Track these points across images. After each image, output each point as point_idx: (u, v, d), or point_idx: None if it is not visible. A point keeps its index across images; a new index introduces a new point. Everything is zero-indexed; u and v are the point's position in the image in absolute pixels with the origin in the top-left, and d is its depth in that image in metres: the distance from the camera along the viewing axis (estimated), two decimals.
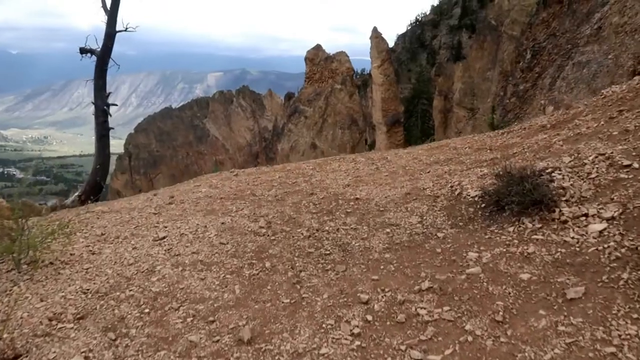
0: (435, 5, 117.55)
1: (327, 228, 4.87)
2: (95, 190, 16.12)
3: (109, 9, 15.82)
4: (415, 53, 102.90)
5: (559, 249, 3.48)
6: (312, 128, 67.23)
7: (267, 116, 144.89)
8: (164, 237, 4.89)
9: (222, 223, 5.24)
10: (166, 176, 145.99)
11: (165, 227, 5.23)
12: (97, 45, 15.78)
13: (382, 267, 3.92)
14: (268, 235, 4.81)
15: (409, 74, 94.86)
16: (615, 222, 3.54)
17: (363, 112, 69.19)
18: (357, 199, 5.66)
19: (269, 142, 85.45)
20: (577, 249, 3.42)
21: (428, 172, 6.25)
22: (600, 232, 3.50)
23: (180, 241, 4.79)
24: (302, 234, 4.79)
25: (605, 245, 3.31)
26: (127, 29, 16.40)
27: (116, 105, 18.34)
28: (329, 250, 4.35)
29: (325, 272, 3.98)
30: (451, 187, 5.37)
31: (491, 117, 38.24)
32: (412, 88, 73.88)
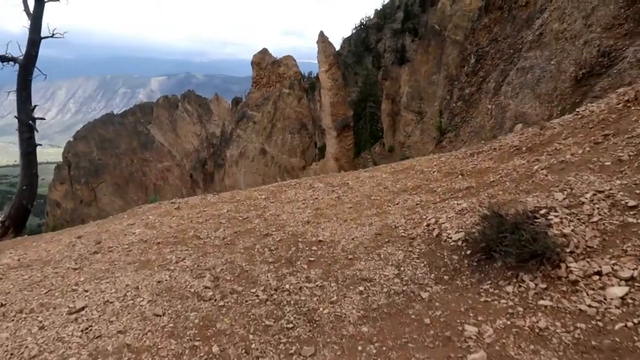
0: (379, 9, 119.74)
1: (287, 286, 4.03)
2: (22, 214, 14.50)
3: (32, 12, 14.31)
4: (360, 56, 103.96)
5: (578, 324, 2.83)
6: (261, 133, 66.10)
7: (215, 121, 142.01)
8: (82, 308, 3.87)
9: (158, 282, 4.28)
10: (110, 185, 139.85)
11: (86, 291, 4.20)
12: (20, 52, 14.24)
13: (359, 347, 3.14)
14: (215, 300, 3.90)
15: (355, 77, 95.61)
16: (636, 284, 2.94)
17: (312, 115, 68.82)
18: (320, 241, 4.86)
19: (217, 148, 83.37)
20: (600, 323, 2.79)
21: (397, 204, 5.55)
22: (622, 298, 2.89)
23: (104, 313, 3.79)
24: (257, 296, 3.92)
25: (636, 321, 2.69)
26: (53, 34, 14.93)
27: (43, 119, 16.66)
28: (292, 322, 3.52)
29: (289, 358, 3.14)
30: (427, 225, 4.69)
31: (439, 120, 38.73)
32: (359, 91, 74.36)
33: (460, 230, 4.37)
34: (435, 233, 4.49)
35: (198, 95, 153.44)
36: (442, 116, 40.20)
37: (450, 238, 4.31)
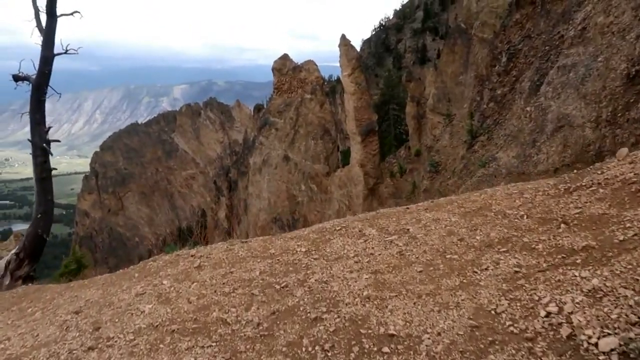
0: (398, 9, 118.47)
1: None
2: (37, 244, 13.64)
3: (44, 28, 13.51)
4: (381, 57, 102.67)
5: None
6: (283, 140, 65.26)
7: (237, 127, 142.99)
8: None
9: None
10: (136, 193, 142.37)
11: None
12: (35, 69, 13.47)
13: None
14: None
15: (376, 79, 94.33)
16: None
17: (334, 120, 67.70)
18: (391, 335, 3.51)
19: (240, 156, 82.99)
20: None
21: (486, 269, 4.15)
22: None
23: None
24: None
25: None
26: (67, 50, 14.06)
27: (58, 141, 15.79)
28: None
29: None
30: (547, 315, 3.28)
31: (469, 123, 36.91)
32: (380, 93, 73.02)
33: (607, 331, 2.95)
34: (564, 332, 3.08)
35: (220, 103, 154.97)
36: (473, 118, 38.30)
37: (595, 345, 2.90)
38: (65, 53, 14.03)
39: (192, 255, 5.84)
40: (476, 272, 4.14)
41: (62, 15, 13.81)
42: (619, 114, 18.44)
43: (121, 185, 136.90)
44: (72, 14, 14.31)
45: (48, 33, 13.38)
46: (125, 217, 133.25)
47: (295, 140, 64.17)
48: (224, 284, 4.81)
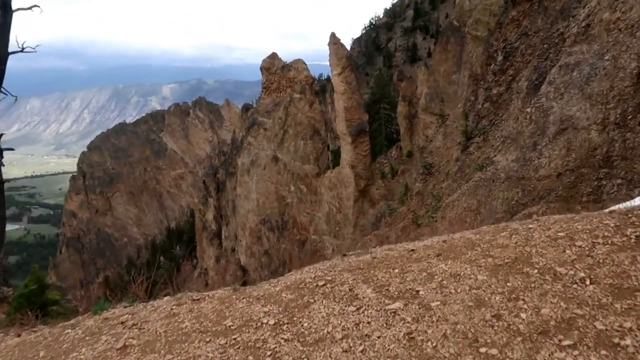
0: (388, 8, 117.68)
1: None
2: None
3: None
4: (371, 56, 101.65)
5: None
6: (272, 140, 63.68)
7: (226, 126, 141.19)
8: None
9: None
10: (124, 194, 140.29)
11: None
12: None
13: None
14: None
15: (367, 77, 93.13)
16: None
17: (324, 119, 66.23)
18: None
19: (228, 156, 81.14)
20: None
21: None
22: None
23: None
24: None
25: None
26: (23, 49, 12.42)
27: (12, 150, 14.05)
28: None
29: None
30: None
31: (464, 124, 35.55)
32: (371, 92, 71.75)
33: None
34: None
35: (209, 102, 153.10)
36: (468, 119, 36.90)
37: None
38: (22, 52, 12.39)
39: (121, 323, 4.24)
40: None
41: (18, 9, 12.18)
42: (629, 116, 16.99)
43: (109, 185, 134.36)
44: (30, 8, 12.69)
45: (2, 28, 11.75)
46: (113, 218, 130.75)
47: (285, 140, 62.66)
48: None
